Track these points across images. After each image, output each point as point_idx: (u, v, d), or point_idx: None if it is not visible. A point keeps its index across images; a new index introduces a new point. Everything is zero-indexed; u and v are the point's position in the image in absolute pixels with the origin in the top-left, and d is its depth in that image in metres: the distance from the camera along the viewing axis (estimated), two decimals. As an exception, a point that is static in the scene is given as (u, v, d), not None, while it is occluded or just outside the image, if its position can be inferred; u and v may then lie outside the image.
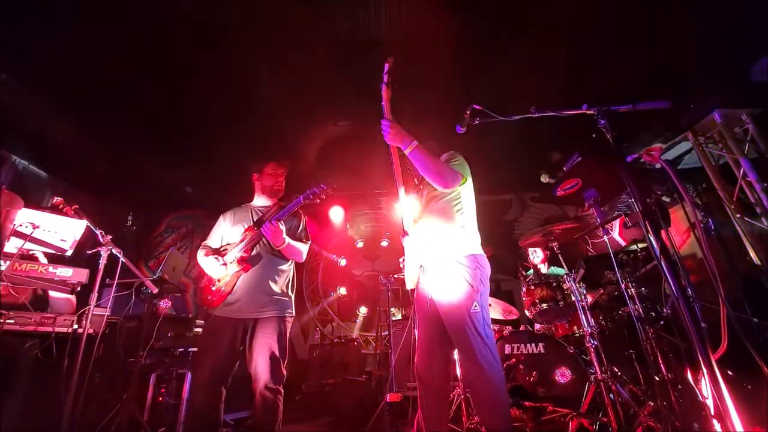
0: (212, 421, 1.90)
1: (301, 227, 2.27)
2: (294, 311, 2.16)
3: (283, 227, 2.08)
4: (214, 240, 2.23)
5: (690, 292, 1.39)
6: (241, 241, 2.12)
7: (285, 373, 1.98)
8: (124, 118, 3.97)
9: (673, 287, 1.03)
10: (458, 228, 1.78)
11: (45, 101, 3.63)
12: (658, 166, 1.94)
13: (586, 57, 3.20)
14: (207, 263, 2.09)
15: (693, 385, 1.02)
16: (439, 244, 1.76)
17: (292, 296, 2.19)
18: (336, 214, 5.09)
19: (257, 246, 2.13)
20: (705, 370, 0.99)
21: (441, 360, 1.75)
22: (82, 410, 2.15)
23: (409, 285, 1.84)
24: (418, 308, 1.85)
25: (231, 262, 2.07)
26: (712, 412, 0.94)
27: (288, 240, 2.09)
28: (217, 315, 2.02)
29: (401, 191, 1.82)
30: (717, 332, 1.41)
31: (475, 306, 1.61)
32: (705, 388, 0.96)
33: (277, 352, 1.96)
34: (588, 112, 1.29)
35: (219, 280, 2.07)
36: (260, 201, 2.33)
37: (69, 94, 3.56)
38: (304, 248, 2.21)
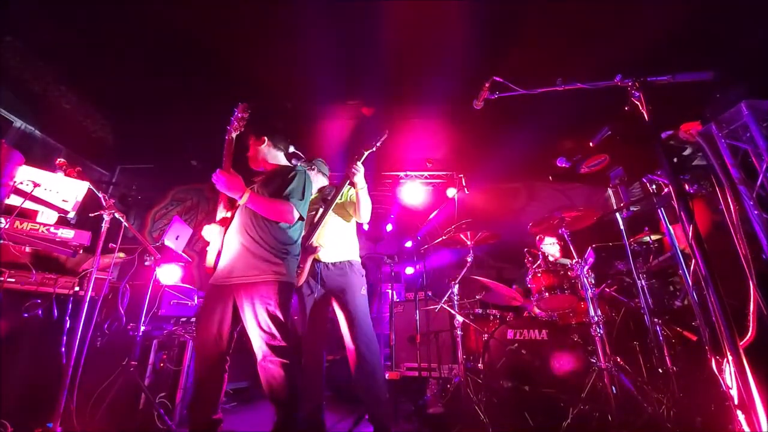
0: (213, 390, 1.88)
1: (291, 186, 2.00)
2: (286, 276, 1.92)
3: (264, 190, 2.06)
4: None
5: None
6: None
7: (283, 343, 1.80)
8: (130, 88, 3.89)
9: (702, 271, 0.97)
10: (353, 240, 2.69)
11: (51, 65, 3.55)
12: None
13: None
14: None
15: (717, 374, 0.98)
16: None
17: (282, 260, 1.94)
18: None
19: (238, 206, 2.06)
20: (731, 358, 0.93)
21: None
22: (82, 373, 2.15)
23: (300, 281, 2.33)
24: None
25: (217, 223, 2.07)
26: (736, 402, 0.89)
27: (248, 194, 1.93)
28: (210, 283, 1.98)
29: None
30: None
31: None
32: (729, 378, 0.91)
33: (267, 320, 1.80)
34: (621, 83, 1.19)
35: (211, 244, 2.04)
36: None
37: (76, 60, 3.48)
38: (280, 205, 1.94)
